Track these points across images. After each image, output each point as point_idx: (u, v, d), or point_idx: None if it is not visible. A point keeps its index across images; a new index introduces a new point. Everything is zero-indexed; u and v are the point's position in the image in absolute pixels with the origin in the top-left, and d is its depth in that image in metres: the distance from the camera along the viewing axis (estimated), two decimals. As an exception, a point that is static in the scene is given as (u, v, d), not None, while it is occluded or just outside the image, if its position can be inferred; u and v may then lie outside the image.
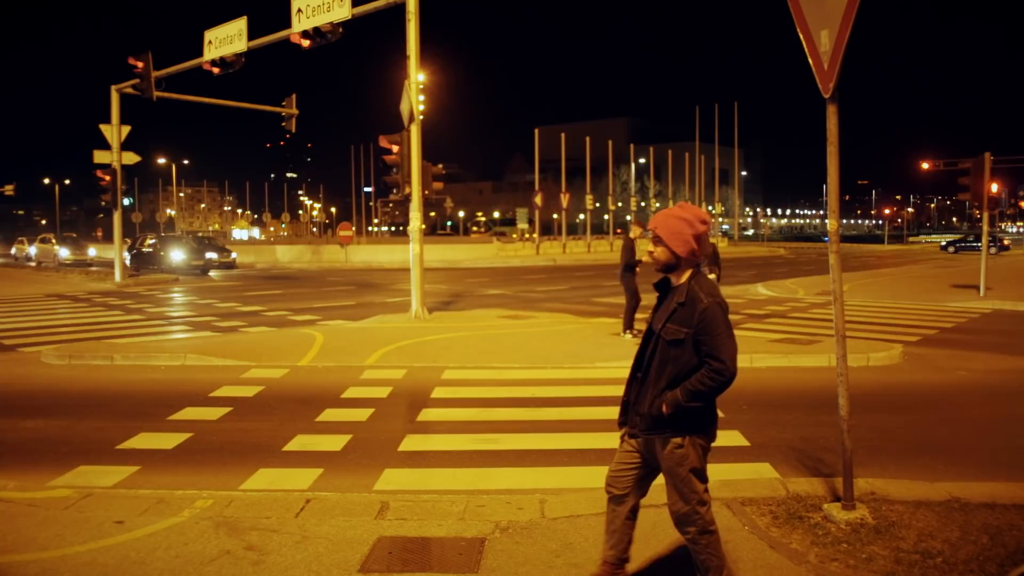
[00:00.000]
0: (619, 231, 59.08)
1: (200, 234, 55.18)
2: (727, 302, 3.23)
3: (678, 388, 3.14)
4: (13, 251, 47.71)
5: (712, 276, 11.58)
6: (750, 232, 76.46)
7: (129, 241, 34.18)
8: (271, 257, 40.93)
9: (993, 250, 50.99)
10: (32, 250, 43.40)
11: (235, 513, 4.66)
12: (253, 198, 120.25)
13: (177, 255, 31.17)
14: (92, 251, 42.20)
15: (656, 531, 4.30)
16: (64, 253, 39.32)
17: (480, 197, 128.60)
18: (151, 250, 32.56)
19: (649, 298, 3.89)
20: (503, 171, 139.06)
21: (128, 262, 32.30)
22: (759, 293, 19.75)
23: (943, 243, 57.39)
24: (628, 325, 11.57)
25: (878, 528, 4.23)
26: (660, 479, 3.43)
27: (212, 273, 30.85)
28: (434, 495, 5.08)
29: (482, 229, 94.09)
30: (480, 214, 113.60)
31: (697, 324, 3.10)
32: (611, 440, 6.47)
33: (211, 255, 32.10)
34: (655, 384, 3.20)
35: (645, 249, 3.48)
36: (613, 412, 7.59)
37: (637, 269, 11.51)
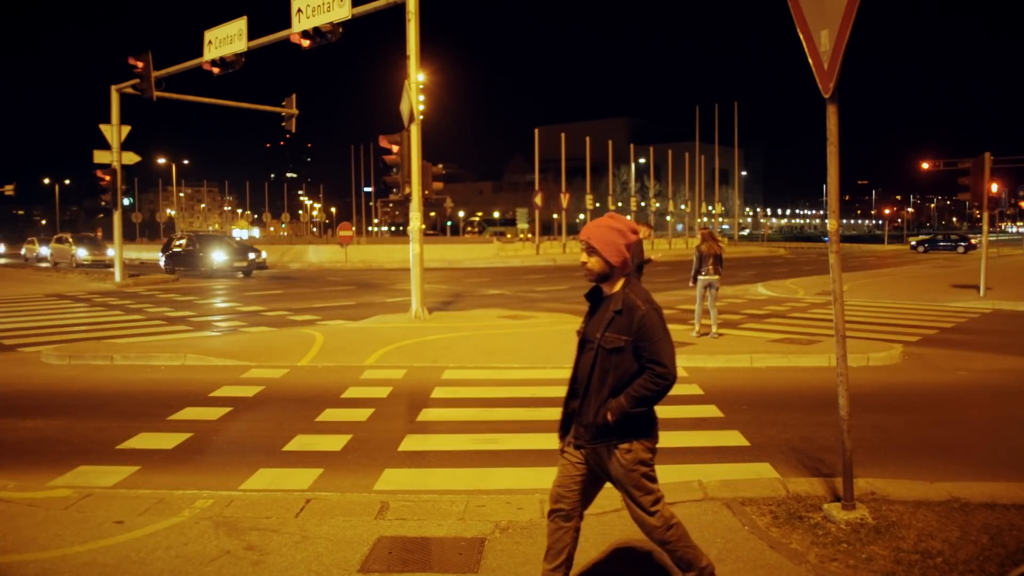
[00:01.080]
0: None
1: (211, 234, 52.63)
2: (662, 307, 3.25)
3: (621, 395, 3.16)
4: (23, 251, 46.10)
5: (715, 277, 11.61)
6: (745, 232, 76.30)
7: (164, 240, 32.33)
8: (291, 256, 40.56)
9: (960, 249, 51.28)
10: (44, 250, 41.94)
11: (235, 513, 4.66)
12: (253, 198, 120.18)
13: (219, 256, 29.00)
14: (111, 251, 41.02)
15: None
16: (82, 254, 36.95)
17: (480, 197, 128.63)
18: (188, 251, 29.96)
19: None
20: (503, 171, 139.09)
21: (162, 263, 31.01)
22: (759, 293, 19.75)
23: (913, 243, 57.46)
24: None
25: (878, 528, 4.24)
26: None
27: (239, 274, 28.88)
28: (434, 495, 5.08)
29: (475, 229, 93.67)
30: (479, 214, 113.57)
31: (637, 331, 3.13)
32: (611, 440, 6.49)
33: (252, 255, 29.95)
34: (598, 393, 3.20)
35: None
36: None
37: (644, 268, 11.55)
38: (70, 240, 39.00)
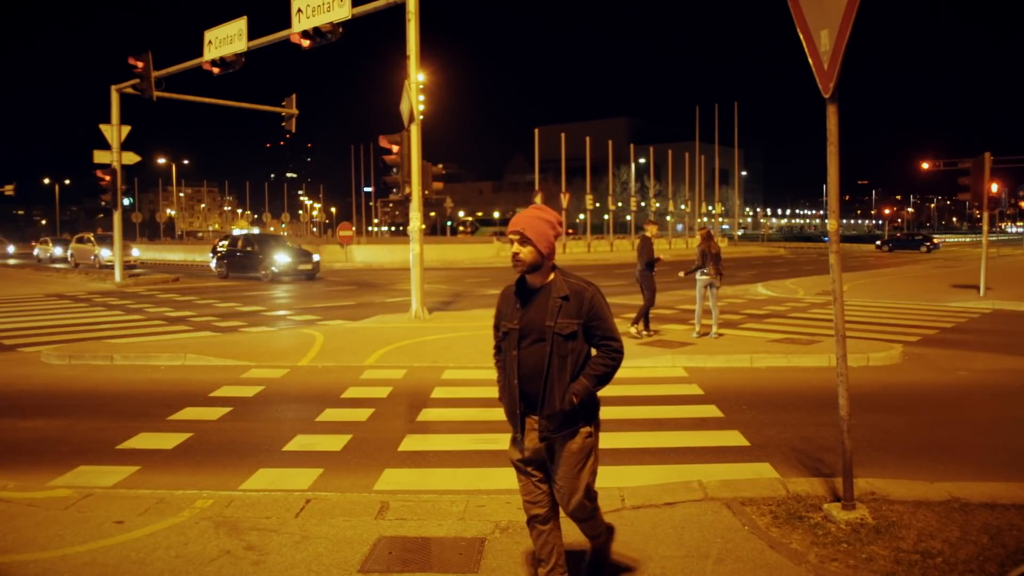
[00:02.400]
0: (620, 234, 59.19)
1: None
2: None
3: (582, 377, 3.23)
4: (36, 251, 44.59)
5: (716, 277, 11.62)
6: (740, 233, 76.19)
7: (223, 240, 30.01)
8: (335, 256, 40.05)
9: (924, 249, 51.48)
10: (58, 250, 40.86)
11: (235, 513, 4.66)
12: (253, 198, 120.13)
13: (282, 258, 26.48)
14: (136, 251, 38.73)
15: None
16: (106, 254, 34.10)
17: (480, 197, 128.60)
18: (246, 252, 27.67)
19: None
20: (503, 171, 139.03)
21: (213, 266, 29.04)
22: (759, 293, 19.74)
23: (878, 243, 57.68)
24: (639, 320, 11.70)
25: (878, 528, 4.24)
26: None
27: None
28: (434, 495, 5.08)
29: (468, 229, 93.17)
30: (479, 213, 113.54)
31: (588, 312, 3.24)
32: (611, 440, 6.48)
33: (316, 257, 27.58)
34: (560, 380, 3.23)
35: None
36: (613, 412, 7.60)
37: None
38: (92, 240, 37.17)
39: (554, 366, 3.23)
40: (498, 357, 3.47)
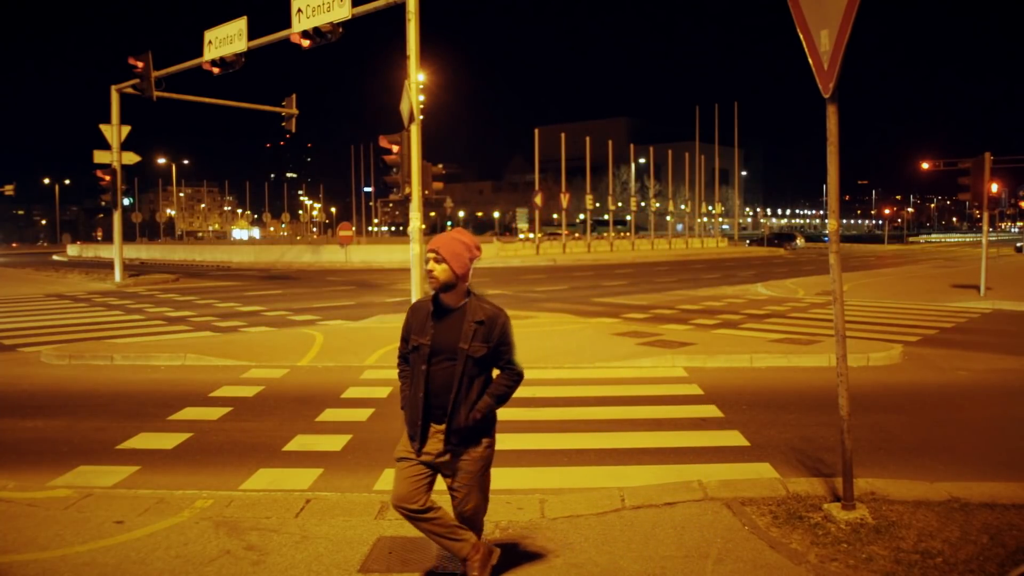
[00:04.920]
0: (623, 234, 59.12)
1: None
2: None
3: (486, 395, 3.46)
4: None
5: None
6: (731, 234, 76.05)
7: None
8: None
9: (788, 247, 51.79)
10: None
11: (235, 513, 4.66)
12: (253, 198, 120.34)
13: None
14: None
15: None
16: None
17: (480, 197, 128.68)
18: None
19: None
20: (503, 171, 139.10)
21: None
22: (759, 293, 19.74)
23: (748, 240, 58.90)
24: None
25: (878, 528, 4.24)
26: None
27: None
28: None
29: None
30: (480, 213, 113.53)
31: (498, 338, 3.45)
32: (611, 440, 6.49)
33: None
34: (467, 399, 3.44)
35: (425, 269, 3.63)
36: (613, 412, 7.61)
37: None
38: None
39: (463, 385, 3.43)
40: (403, 368, 3.62)
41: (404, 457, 3.53)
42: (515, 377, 3.52)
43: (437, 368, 3.44)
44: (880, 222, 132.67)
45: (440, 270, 3.42)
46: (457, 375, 3.41)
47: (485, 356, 3.43)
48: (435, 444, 3.47)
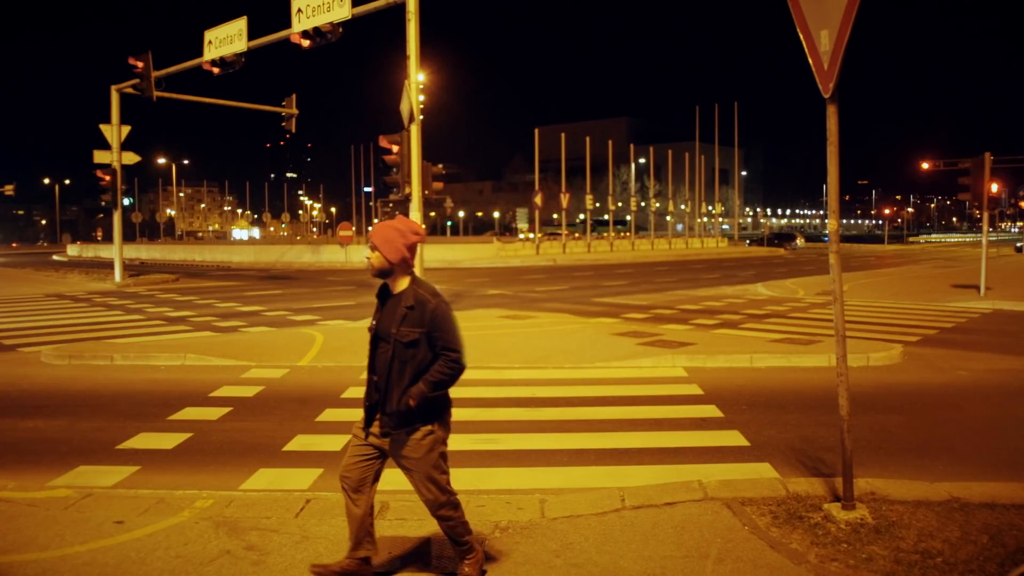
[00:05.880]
0: (623, 234, 59.10)
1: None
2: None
3: (420, 382, 3.46)
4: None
5: None
6: (731, 234, 75.89)
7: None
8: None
9: (788, 247, 52.04)
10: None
11: (235, 513, 4.66)
12: (253, 198, 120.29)
13: None
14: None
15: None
16: None
17: (480, 197, 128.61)
18: None
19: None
20: (503, 171, 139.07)
21: None
22: (759, 293, 19.74)
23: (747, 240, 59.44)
24: None
25: (878, 528, 4.24)
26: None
27: None
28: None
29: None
30: (480, 213, 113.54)
31: (430, 322, 3.46)
32: (611, 440, 6.49)
33: None
34: (398, 384, 3.49)
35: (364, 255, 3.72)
36: (613, 412, 7.60)
37: None
38: None
39: (394, 370, 3.51)
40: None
41: (355, 434, 3.71)
42: (451, 364, 3.46)
43: (379, 352, 3.59)
44: (880, 222, 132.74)
45: (374, 257, 3.56)
46: (385, 360, 3.52)
47: (417, 341, 3.45)
48: (379, 427, 3.61)
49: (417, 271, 13.14)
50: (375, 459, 3.65)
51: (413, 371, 3.47)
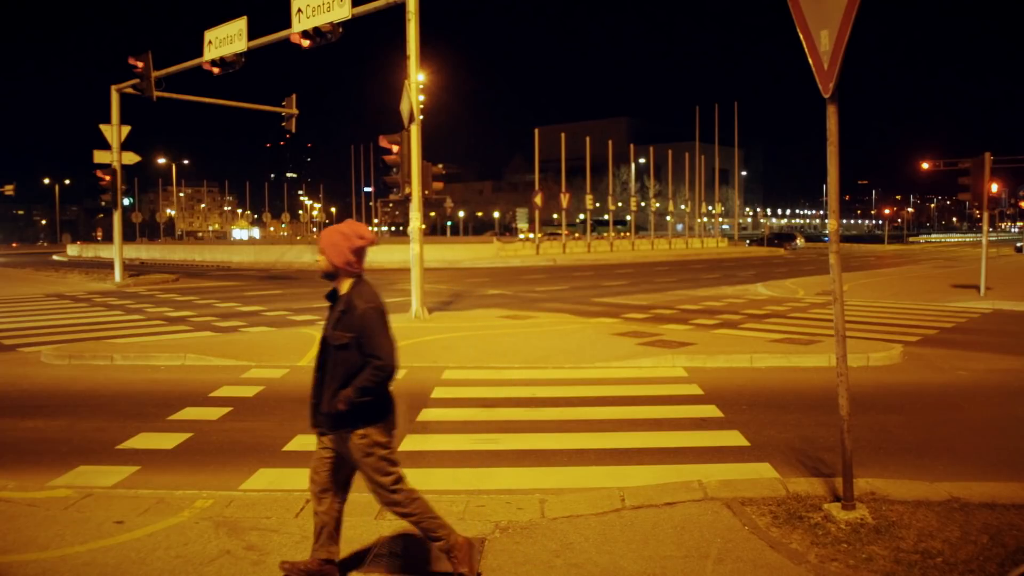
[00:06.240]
0: (623, 234, 59.10)
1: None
2: (385, 306, 3.57)
3: (350, 387, 3.47)
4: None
5: None
6: (731, 234, 75.78)
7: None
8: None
9: (788, 247, 52.30)
10: None
11: (235, 513, 4.66)
12: (253, 198, 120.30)
13: None
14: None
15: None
16: None
17: (480, 197, 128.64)
18: None
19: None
20: (503, 171, 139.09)
21: None
22: (759, 293, 19.75)
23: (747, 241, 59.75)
24: None
25: (878, 528, 4.24)
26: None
27: None
28: (434, 495, 5.05)
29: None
30: (480, 213, 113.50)
31: (358, 328, 3.47)
32: (611, 440, 6.49)
33: None
34: (330, 385, 3.53)
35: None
36: (613, 412, 7.60)
37: None
38: None
39: (328, 371, 3.55)
40: None
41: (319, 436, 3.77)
42: (376, 371, 3.44)
43: (321, 352, 3.65)
44: (880, 222, 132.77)
45: (322, 260, 3.67)
46: (323, 361, 3.59)
47: (347, 345, 3.48)
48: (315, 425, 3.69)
49: (417, 271, 13.07)
50: (330, 459, 3.68)
51: (344, 374, 3.48)
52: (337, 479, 3.70)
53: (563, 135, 46.74)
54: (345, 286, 3.64)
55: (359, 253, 3.63)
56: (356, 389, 3.44)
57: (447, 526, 3.72)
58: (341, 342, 3.48)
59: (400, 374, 9.92)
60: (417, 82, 14.35)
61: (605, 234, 55.06)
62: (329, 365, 3.54)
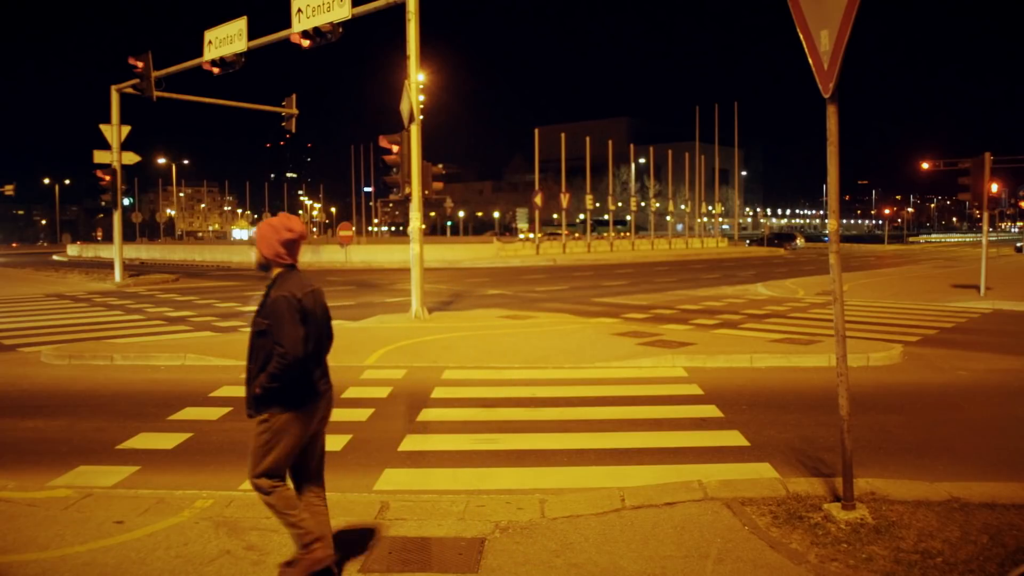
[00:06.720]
0: (623, 234, 59.11)
1: None
2: (303, 297, 3.62)
3: (263, 373, 3.58)
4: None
5: None
6: (731, 234, 75.73)
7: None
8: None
9: (788, 247, 52.26)
10: None
11: (235, 513, 4.66)
12: (253, 198, 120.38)
13: None
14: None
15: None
16: None
17: (480, 197, 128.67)
18: None
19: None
20: (503, 171, 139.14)
21: None
22: (759, 293, 19.75)
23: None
24: None
25: (878, 528, 4.24)
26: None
27: None
28: (434, 495, 5.08)
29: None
30: (480, 213, 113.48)
31: (268, 315, 3.59)
32: (611, 440, 6.49)
33: None
34: (251, 371, 3.65)
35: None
36: (613, 412, 7.61)
37: None
38: None
39: (250, 357, 3.67)
40: None
41: None
42: (278, 359, 3.51)
43: (250, 338, 3.75)
44: (880, 222, 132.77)
45: (255, 252, 3.78)
46: (250, 347, 3.69)
47: (265, 332, 3.59)
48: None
49: (417, 271, 13.05)
50: None
51: (264, 360, 3.58)
52: (297, 464, 3.77)
53: (563, 135, 46.74)
54: (274, 276, 3.76)
55: (288, 245, 3.71)
56: (267, 375, 3.55)
57: (312, 532, 3.66)
58: (259, 328, 3.61)
59: (400, 374, 9.97)
60: (417, 82, 14.35)
61: (605, 234, 55.07)
62: (251, 350, 3.67)
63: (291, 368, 3.52)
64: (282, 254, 3.70)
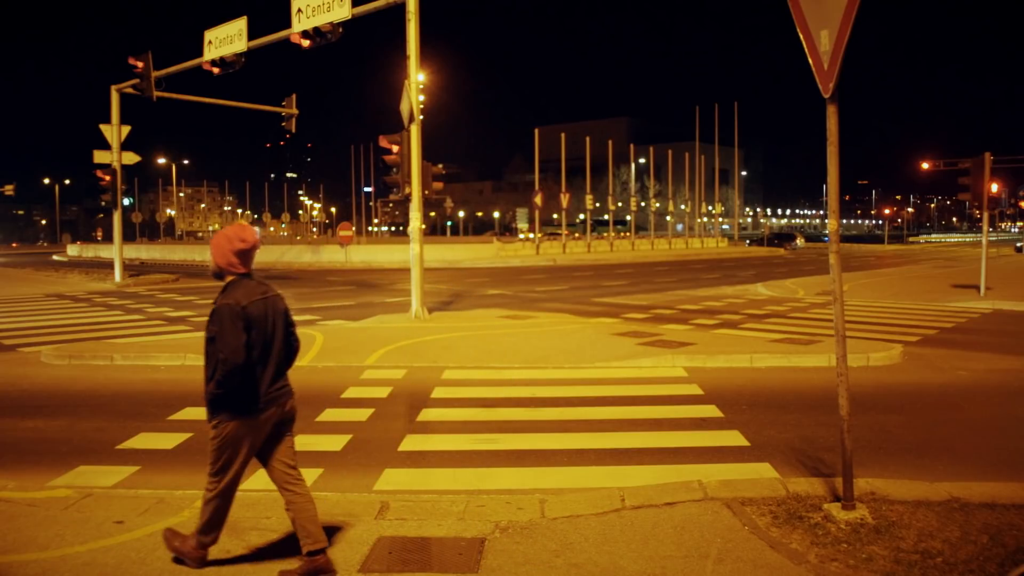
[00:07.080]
0: (623, 234, 59.11)
1: None
2: (248, 305, 3.71)
3: (211, 380, 3.71)
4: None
5: None
6: (731, 234, 75.67)
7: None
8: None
9: (788, 247, 52.38)
10: None
11: (235, 513, 4.63)
12: (253, 198, 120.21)
13: None
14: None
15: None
16: None
17: (480, 197, 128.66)
18: None
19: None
20: (503, 171, 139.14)
21: None
22: (759, 293, 19.74)
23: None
24: None
25: (878, 528, 4.24)
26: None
27: None
28: (434, 495, 5.08)
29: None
30: (480, 213, 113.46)
31: (215, 322, 3.70)
32: (611, 440, 6.49)
33: None
34: (207, 376, 3.75)
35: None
36: (613, 412, 7.60)
37: None
38: None
39: (206, 363, 3.76)
40: None
41: None
42: (221, 366, 3.62)
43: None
44: (880, 222, 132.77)
45: (210, 261, 3.90)
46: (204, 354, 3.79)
47: (212, 339, 3.70)
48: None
49: (417, 271, 13.04)
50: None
51: (212, 367, 3.70)
52: (269, 465, 3.94)
53: (563, 135, 46.73)
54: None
55: (241, 255, 3.80)
56: (214, 381, 3.67)
57: (216, 532, 3.92)
58: (209, 335, 3.71)
59: (400, 374, 9.97)
60: (417, 82, 14.35)
61: (605, 234, 55.06)
62: (206, 358, 3.76)
63: (232, 375, 3.61)
64: (235, 263, 3.81)
